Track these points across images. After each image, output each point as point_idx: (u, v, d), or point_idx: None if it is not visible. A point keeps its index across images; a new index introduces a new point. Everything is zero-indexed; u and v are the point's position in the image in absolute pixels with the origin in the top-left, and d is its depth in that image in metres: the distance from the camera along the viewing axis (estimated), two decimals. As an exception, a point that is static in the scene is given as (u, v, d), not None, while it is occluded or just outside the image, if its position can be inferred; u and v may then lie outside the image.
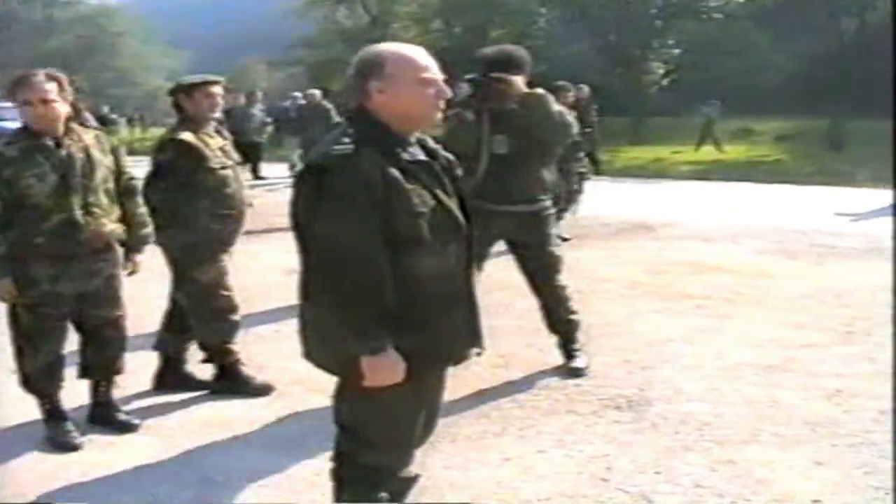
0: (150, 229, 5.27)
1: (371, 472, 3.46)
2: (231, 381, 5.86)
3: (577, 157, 11.28)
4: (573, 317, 6.23)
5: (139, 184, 5.30)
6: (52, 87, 4.80)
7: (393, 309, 3.13)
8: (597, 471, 4.61)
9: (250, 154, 18.68)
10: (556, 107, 5.87)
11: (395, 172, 3.15)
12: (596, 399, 5.65)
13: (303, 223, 3.22)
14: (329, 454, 4.40)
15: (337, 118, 16.82)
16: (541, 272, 6.11)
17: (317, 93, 19.56)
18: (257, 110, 20.54)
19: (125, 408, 5.44)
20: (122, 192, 5.12)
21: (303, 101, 20.46)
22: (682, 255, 10.42)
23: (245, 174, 6.12)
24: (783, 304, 8.10)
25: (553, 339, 6.27)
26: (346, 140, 3.17)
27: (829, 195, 16.15)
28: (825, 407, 5.49)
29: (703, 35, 36.61)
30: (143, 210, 5.25)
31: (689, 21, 37.07)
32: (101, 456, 4.84)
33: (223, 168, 5.61)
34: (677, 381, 5.94)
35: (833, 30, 31.95)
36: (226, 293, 5.77)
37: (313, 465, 4.61)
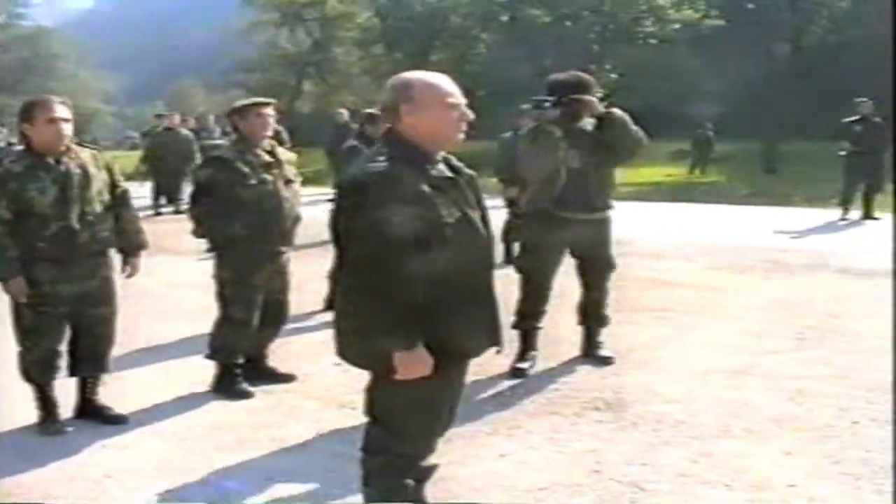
0: (144, 235, 5.85)
1: (400, 459, 3.83)
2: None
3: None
4: (608, 314, 7.00)
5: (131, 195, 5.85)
6: (64, 110, 5.37)
7: (422, 308, 3.50)
8: (588, 464, 4.98)
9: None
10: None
11: (424, 187, 3.57)
12: (576, 402, 6.02)
13: (343, 232, 3.61)
14: (335, 452, 4.80)
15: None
16: (598, 272, 6.85)
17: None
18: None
19: (127, 413, 5.75)
20: (117, 202, 5.68)
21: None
22: (638, 272, 10.80)
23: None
24: (739, 314, 8.56)
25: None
26: (381, 158, 3.58)
27: (768, 214, 16.68)
28: (789, 405, 5.91)
29: (639, 59, 37.34)
30: (136, 217, 5.87)
31: (625, 46, 37.87)
32: (118, 457, 5.12)
33: (262, 183, 6.02)
34: (650, 385, 6.33)
35: (766, 55, 32.74)
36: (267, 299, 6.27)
37: (322, 462, 4.99)
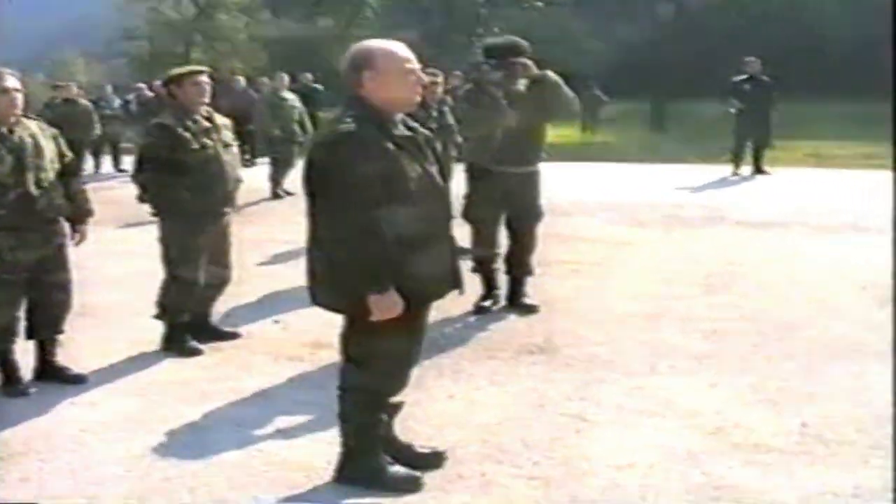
0: (91, 204, 6.07)
1: (374, 396, 4.19)
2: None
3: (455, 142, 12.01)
4: (533, 263, 7.43)
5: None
6: (14, 81, 5.57)
7: (391, 255, 3.87)
8: (532, 401, 5.39)
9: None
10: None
11: (389, 144, 3.95)
12: (510, 346, 6.42)
13: (316, 188, 3.94)
14: (294, 400, 5.14)
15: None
16: (528, 222, 7.31)
17: (166, 84, 19.71)
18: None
19: (86, 372, 5.97)
20: (66, 171, 5.88)
21: (148, 93, 20.63)
22: (546, 229, 11.17)
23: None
24: (647, 265, 9.07)
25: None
26: (348, 120, 3.95)
27: (663, 171, 17.27)
28: (706, 344, 6.40)
29: (525, 23, 37.84)
30: (84, 187, 6.10)
31: (512, 9, 38.37)
32: (90, 414, 5.34)
33: (204, 148, 6.24)
34: (576, 330, 6.76)
35: (650, 15, 33.51)
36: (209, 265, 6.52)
37: (284, 409, 5.32)
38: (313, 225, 4.06)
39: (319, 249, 4.05)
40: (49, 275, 5.76)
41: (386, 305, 3.89)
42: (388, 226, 3.86)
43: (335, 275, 3.99)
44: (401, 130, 4.04)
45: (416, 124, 4.19)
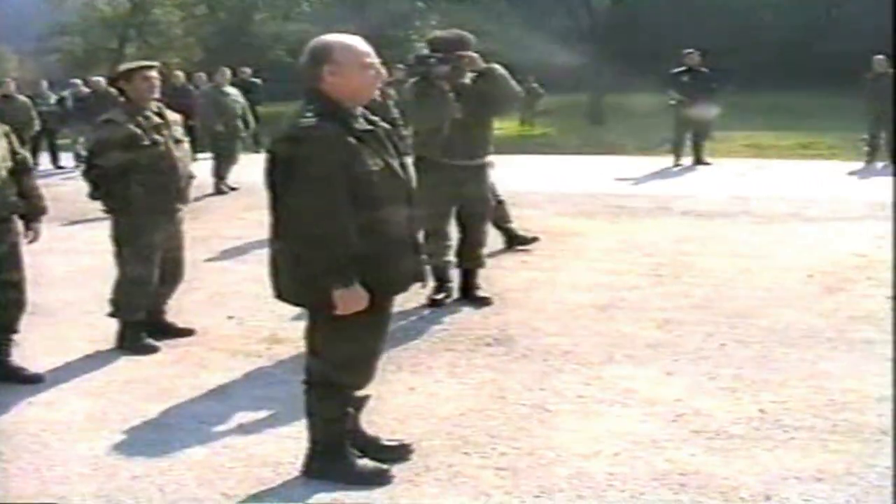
0: (45, 202, 6.01)
1: (340, 389, 4.19)
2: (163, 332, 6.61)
3: (400, 135, 12.02)
4: (484, 255, 7.48)
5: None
6: None
7: (355, 249, 3.87)
8: (492, 392, 5.41)
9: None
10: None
11: (351, 139, 3.96)
12: (467, 339, 6.44)
13: (279, 183, 3.95)
14: (254, 396, 5.14)
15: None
16: (478, 215, 7.33)
17: (101, 80, 19.56)
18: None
19: (42, 371, 5.90)
20: (19, 169, 5.80)
21: (85, 89, 20.40)
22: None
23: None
24: (597, 256, 9.13)
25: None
26: (309, 115, 3.95)
27: (604, 163, 17.41)
28: (660, 333, 6.47)
29: (463, 16, 37.85)
30: (37, 184, 6.01)
31: (449, 3, 38.35)
32: (49, 413, 5.28)
33: (155, 144, 6.16)
34: (530, 322, 6.80)
35: (586, 8, 33.69)
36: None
37: (245, 405, 5.31)
38: (275, 219, 4.04)
39: (282, 244, 4.03)
40: (2, 273, 5.70)
41: (351, 299, 3.89)
42: (352, 219, 3.86)
43: (299, 269, 3.97)
44: (361, 124, 4.05)
45: (375, 118, 4.20)
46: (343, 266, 3.86)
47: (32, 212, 5.90)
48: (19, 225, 5.84)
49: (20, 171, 5.81)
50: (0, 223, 5.63)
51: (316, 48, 4.05)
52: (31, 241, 5.94)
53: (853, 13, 32.84)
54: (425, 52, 7.14)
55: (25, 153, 5.98)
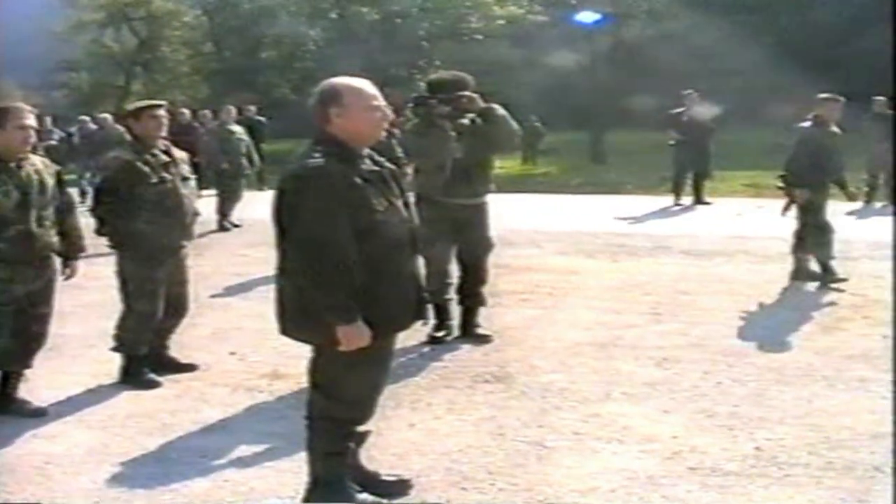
0: (85, 241, 6.15)
1: (341, 424, 4.27)
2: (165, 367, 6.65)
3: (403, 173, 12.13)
4: (485, 293, 7.53)
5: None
6: (32, 118, 5.66)
7: (359, 287, 3.97)
8: (490, 429, 5.48)
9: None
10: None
11: (356, 179, 4.08)
12: (466, 375, 6.51)
13: (285, 221, 4.04)
14: (256, 431, 5.19)
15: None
16: (479, 253, 7.45)
17: (108, 117, 19.72)
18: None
19: (45, 405, 5.96)
20: (65, 208, 5.98)
21: (92, 126, 20.55)
22: (494, 259, 11.33)
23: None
24: (596, 294, 9.21)
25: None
26: (316, 155, 4.07)
27: (605, 202, 17.51)
28: (657, 371, 6.54)
29: (466, 55, 38.08)
30: (80, 224, 6.12)
31: (452, 42, 38.63)
32: (52, 446, 5.35)
33: (162, 182, 6.25)
34: (529, 360, 6.87)
35: (588, 48, 33.87)
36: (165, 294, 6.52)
37: (247, 440, 5.38)
38: (282, 256, 4.14)
39: (288, 281, 4.12)
40: (34, 308, 5.80)
41: (354, 336, 3.98)
42: (355, 257, 3.96)
43: (304, 306, 4.07)
44: (367, 165, 4.17)
45: (381, 159, 4.30)
46: (346, 302, 3.95)
47: (71, 250, 6.03)
48: (57, 262, 5.95)
49: (65, 210, 5.95)
50: (40, 260, 5.75)
51: (324, 90, 4.18)
52: (67, 278, 6.08)
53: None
54: (424, 93, 7.26)
55: (70, 193, 6.13)
